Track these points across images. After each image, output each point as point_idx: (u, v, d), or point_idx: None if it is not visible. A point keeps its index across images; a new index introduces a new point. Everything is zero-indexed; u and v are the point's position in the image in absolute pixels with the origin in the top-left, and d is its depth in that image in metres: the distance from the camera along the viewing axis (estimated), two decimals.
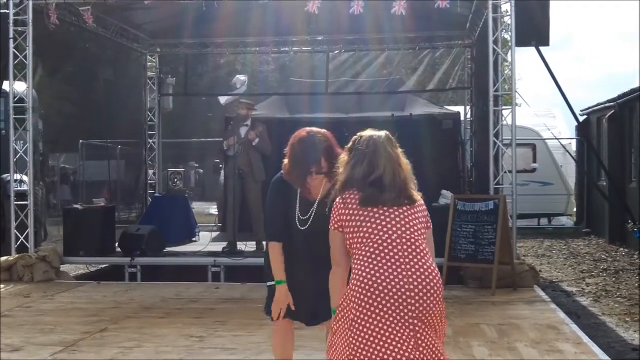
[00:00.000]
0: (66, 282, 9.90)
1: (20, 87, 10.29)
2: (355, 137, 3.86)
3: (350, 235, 3.67)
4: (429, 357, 3.52)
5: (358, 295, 3.54)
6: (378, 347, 3.47)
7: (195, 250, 11.15)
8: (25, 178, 10.30)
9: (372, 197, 3.66)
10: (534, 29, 9.87)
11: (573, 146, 19.89)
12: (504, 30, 10.56)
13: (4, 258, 9.89)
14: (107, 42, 12.76)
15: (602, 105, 17.73)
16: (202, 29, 12.81)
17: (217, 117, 26.03)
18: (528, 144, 18.00)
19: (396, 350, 3.45)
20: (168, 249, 11.07)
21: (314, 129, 4.40)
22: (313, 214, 4.36)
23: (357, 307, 3.54)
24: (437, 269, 3.66)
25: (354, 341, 3.53)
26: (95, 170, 14.85)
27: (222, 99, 14.99)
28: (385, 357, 3.46)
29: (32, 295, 8.79)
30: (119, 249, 10.83)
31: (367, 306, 3.51)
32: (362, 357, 3.50)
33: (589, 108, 18.93)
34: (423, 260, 3.59)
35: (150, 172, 14.48)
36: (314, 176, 4.31)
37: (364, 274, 3.54)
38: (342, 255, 3.76)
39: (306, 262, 4.40)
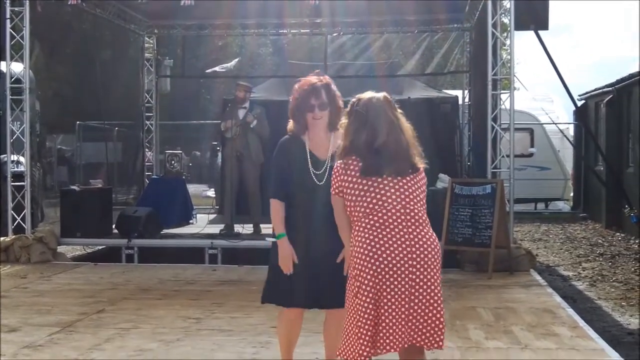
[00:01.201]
0: (63, 264, 9.91)
1: (17, 67, 10.25)
2: (353, 99, 3.83)
3: (352, 203, 3.69)
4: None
5: (362, 268, 3.62)
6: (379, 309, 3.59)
7: (193, 232, 11.14)
8: (22, 159, 10.29)
9: (374, 167, 3.66)
10: (533, 13, 9.85)
11: (571, 131, 19.86)
12: (503, 14, 10.53)
13: (1, 239, 9.90)
14: (104, 23, 12.69)
15: (600, 90, 17.70)
16: (200, 10, 12.71)
17: (214, 99, 26.02)
18: (526, 129, 17.97)
19: (393, 307, 3.59)
20: (165, 231, 11.05)
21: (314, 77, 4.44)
22: (328, 168, 4.27)
23: (361, 279, 3.62)
24: (436, 238, 3.73)
25: (359, 307, 3.62)
26: (92, 152, 14.77)
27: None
28: (387, 313, 3.58)
29: (29, 276, 8.80)
30: (116, 231, 10.83)
31: (371, 277, 3.59)
32: (365, 316, 3.59)
33: (587, 93, 18.89)
34: (424, 232, 3.66)
35: (148, 154, 14.46)
36: (316, 113, 4.31)
37: (368, 247, 3.61)
38: (344, 219, 3.79)
39: (322, 224, 4.23)
